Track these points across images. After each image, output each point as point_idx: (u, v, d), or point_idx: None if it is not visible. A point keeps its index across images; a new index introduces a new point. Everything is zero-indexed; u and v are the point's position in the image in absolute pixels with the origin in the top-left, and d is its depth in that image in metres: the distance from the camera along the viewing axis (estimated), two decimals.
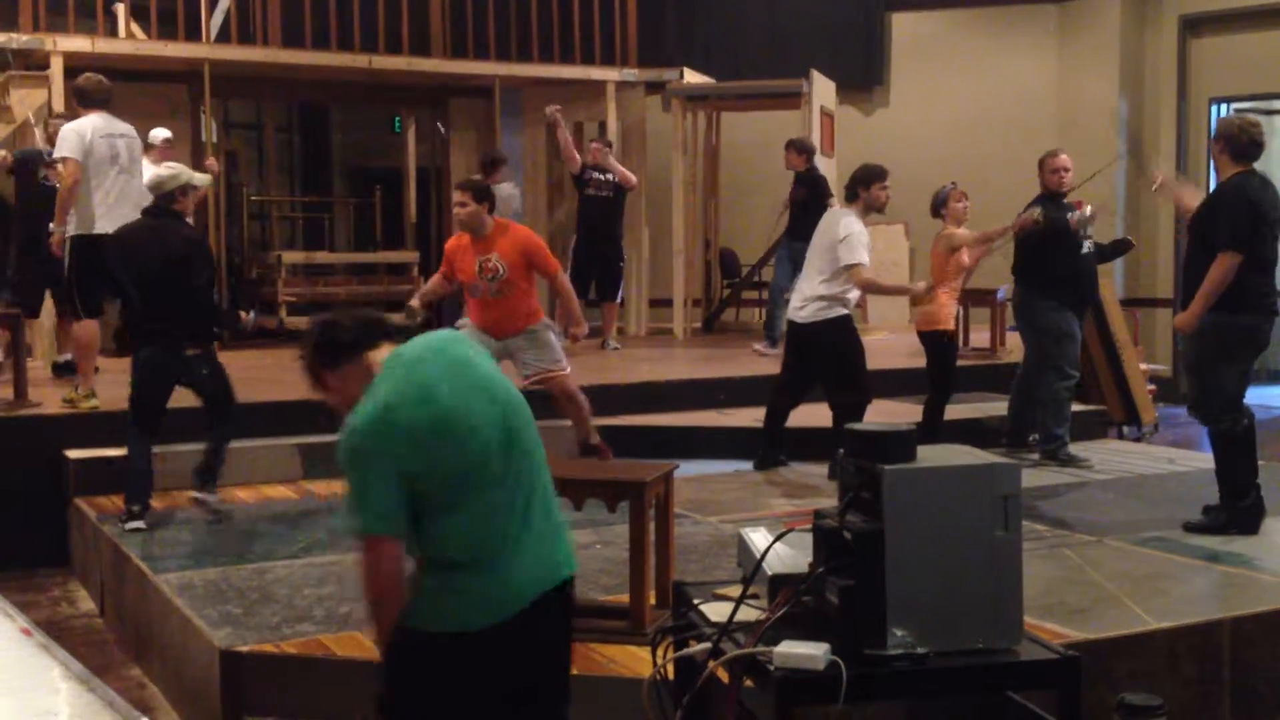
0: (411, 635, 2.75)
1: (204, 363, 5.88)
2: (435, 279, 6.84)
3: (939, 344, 7.10)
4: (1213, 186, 5.97)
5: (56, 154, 7.04)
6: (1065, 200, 7.14)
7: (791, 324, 6.84)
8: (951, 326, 7.14)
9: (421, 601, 2.76)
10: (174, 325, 5.78)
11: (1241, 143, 5.42)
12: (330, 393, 2.89)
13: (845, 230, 6.55)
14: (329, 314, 2.98)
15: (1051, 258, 6.95)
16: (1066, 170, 7.12)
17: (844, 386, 6.62)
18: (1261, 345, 5.64)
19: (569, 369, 6.65)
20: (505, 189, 9.59)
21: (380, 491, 2.68)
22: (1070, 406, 7.19)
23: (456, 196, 6.43)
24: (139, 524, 5.68)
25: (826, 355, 6.69)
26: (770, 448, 7.04)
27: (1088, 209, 7.12)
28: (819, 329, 6.64)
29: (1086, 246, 7.08)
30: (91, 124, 6.95)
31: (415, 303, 6.68)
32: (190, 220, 6.19)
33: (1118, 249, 7.92)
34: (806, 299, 6.69)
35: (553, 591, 2.83)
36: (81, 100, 7.12)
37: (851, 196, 6.74)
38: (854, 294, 6.71)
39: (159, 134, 9.01)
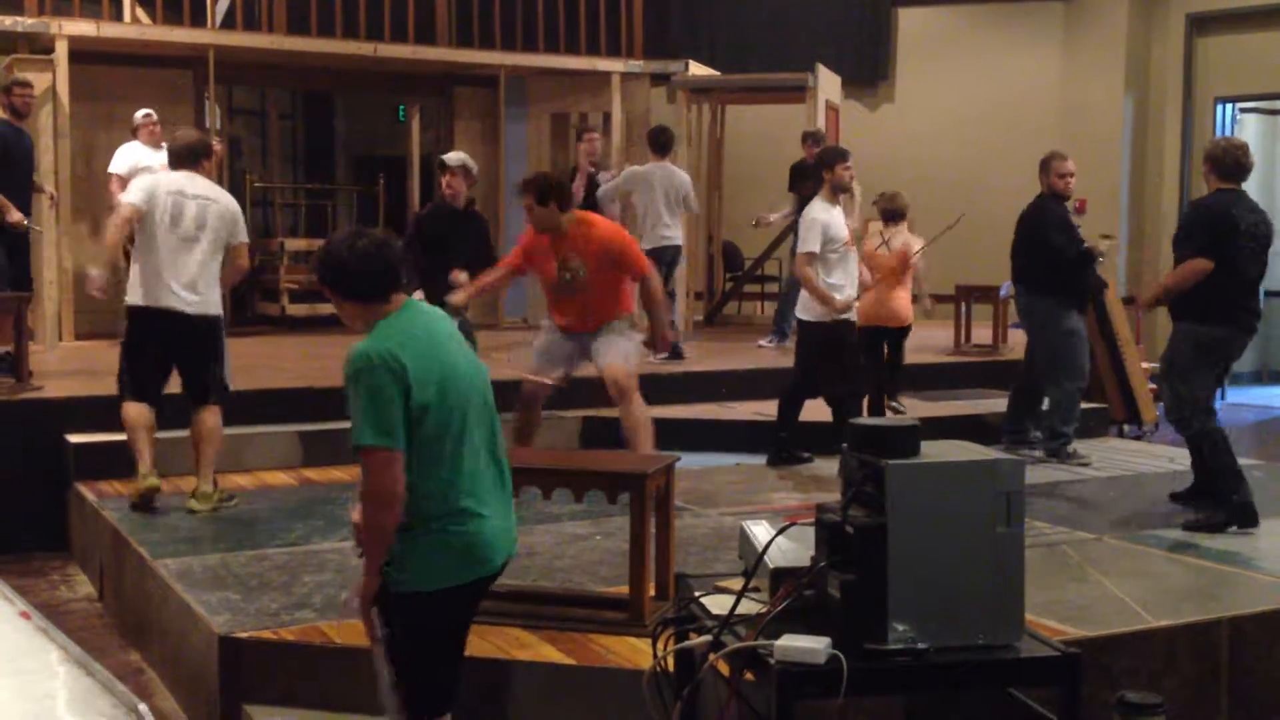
0: (397, 599, 3.11)
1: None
2: (498, 271, 6.39)
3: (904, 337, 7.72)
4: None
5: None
6: (1067, 204, 7.15)
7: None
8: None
9: (406, 564, 3.10)
10: None
11: (1226, 164, 5.65)
12: (341, 310, 3.24)
13: (804, 218, 6.68)
14: (357, 241, 3.17)
15: (1062, 260, 6.95)
16: (1073, 175, 7.09)
17: (835, 379, 6.65)
18: (1233, 357, 5.87)
19: (630, 366, 5.93)
20: (657, 171, 9.15)
21: (381, 410, 3.00)
22: (1079, 407, 7.18)
23: (524, 201, 5.86)
24: None
25: (803, 347, 6.78)
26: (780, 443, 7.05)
27: (1102, 245, 7.26)
28: (801, 321, 6.79)
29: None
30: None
31: (459, 298, 6.23)
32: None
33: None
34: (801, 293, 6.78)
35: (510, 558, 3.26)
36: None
37: (817, 180, 6.83)
38: (847, 288, 6.70)
39: (140, 114, 8.93)
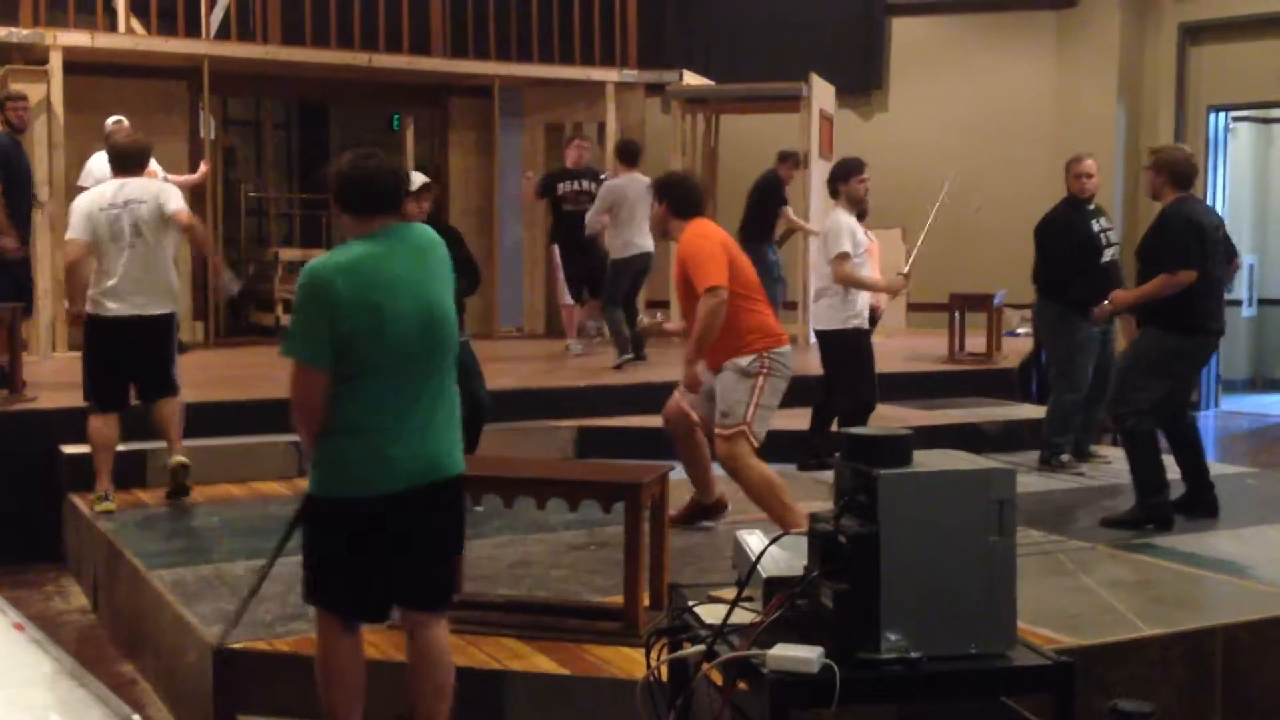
0: (310, 500, 3.41)
1: None
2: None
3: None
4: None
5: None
6: (1090, 207, 7.06)
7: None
8: None
9: (317, 470, 3.38)
10: None
11: (1185, 173, 5.79)
12: (338, 223, 3.65)
13: (827, 225, 6.69)
14: (366, 155, 3.43)
15: (1070, 267, 6.93)
16: (1090, 176, 7.03)
17: (842, 390, 6.65)
18: (1203, 364, 6.12)
19: (744, 428, 5.17)
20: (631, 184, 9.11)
21: (313, 328, 3.28)
22: (1075, 418, 7.16)
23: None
24: None
25: (825, 358, 6.74)
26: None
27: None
28: (819, 333, 6.79)
29: (1109, 255, 7.00)
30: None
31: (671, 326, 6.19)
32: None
33: None
34: (816, 303, 6.80)
35: (431, 485, 3.39)
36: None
37: (833, 193, 6.81)
38: (861, 296, 6.71)
39: (111, 121, 8.77)
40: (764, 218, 10.15)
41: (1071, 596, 4.67)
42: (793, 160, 10.11)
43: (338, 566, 3.41)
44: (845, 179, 6.71)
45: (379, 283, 3.31)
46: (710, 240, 5.25)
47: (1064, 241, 6.93)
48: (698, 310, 5.15)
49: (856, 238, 6.58)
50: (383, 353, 3.31)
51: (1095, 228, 6.98)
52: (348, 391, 3.32)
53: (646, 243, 9.11)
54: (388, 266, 3.35)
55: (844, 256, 6.51)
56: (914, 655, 2.52)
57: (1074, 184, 7.04)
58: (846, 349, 6.66)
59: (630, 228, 9.07)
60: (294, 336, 3.33)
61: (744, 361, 5.19)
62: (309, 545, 3.46)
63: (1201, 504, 5.98)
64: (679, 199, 5.41)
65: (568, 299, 10.19)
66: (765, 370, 5.19)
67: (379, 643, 4.05)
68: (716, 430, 5.25)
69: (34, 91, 9.14)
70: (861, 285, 6.60)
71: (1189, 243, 5.65)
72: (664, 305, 11.45)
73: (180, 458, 6.08)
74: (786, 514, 5.05)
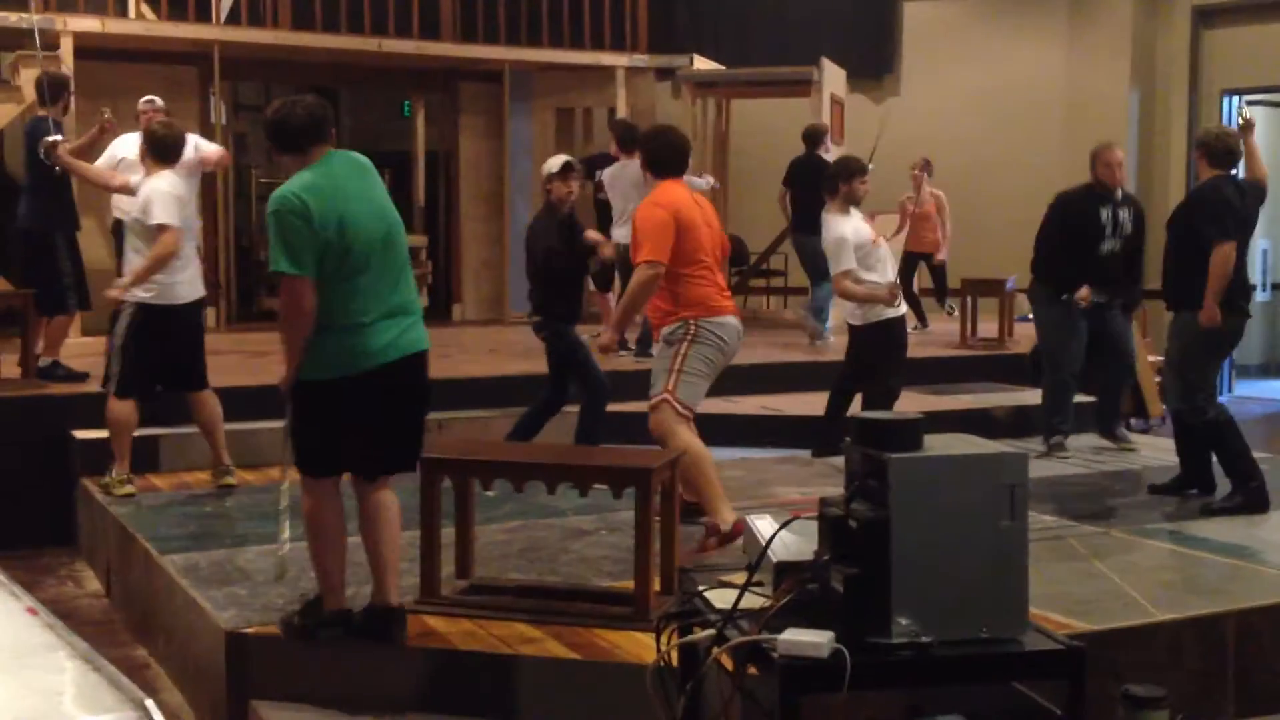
0: (302, 384, 3.91)
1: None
2: None
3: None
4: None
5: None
6: (1119, 196, 6.96)
7: None
8: None
9: (309, 360, 3.87)
10: None
11: (1218, 150, 5.88)
12: (280, 162, 4.18)
13: (827, 240, 6.66)
14: (291, 102, 3.97)
15: (1065, 251, 6.91)
16: (1120, 165, 6.95)
17: (873, 378, 6.67)
18: (1237, 343, 6.12)
19: (667, 395, 5.01)
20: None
21: (294, 242, 3.78)
22: (1067, 401, 7.11)
23: None
24: None
25: (860, 350, 6.79)
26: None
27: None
28: (851, 328, 6.83)
29: (1108, 246, 6.91)
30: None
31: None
32: None
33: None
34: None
35: (405, 359, 3.95)
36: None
37: (831, 190, 6.74)
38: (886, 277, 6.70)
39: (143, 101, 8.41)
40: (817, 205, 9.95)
41: (1083, 581, 4.66)
42: (825, 137, 9.93)
43: (332, 437, 3.95)
44: (849, 179, 6.65)
45: (339, 195, 3.85)
46: (660, 210, 4.99)
47: (1065, 225, 6.90)
48: (630, 280, 5.11)
49: (858, 241, 6.54)
50: (353, 253, 3.84)
51: (1104, 217, 6.90)
52: (335, 291, 3.84)
53: (622, 234, 8.85)
54: (341, 183, 3.90)
55: (845, 274, 6.52)
56: (925, 640, 2.52)
57: (1103, 172, 6.91)
58: (880, 340, 6.66)
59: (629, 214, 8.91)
60: (279, 254, 3.79)
61: (668, 329, 5.09)
62: (305, 423, 3.98)
63: (1195, 487, 6.08)
64: (652, 154, 5.21)
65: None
66: (690, 337, 5.02)
67: (441, 629, 4.06)
68: (652, 398, 5.07)
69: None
70: (863, 299, 6.57)
71: (1224, 214, 5.73)
72: None
73: (230, 479, 6.21)
74: (708, 490, 4.97)
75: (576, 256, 6.49)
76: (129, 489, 6.00)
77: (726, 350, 5.14)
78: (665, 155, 5.17)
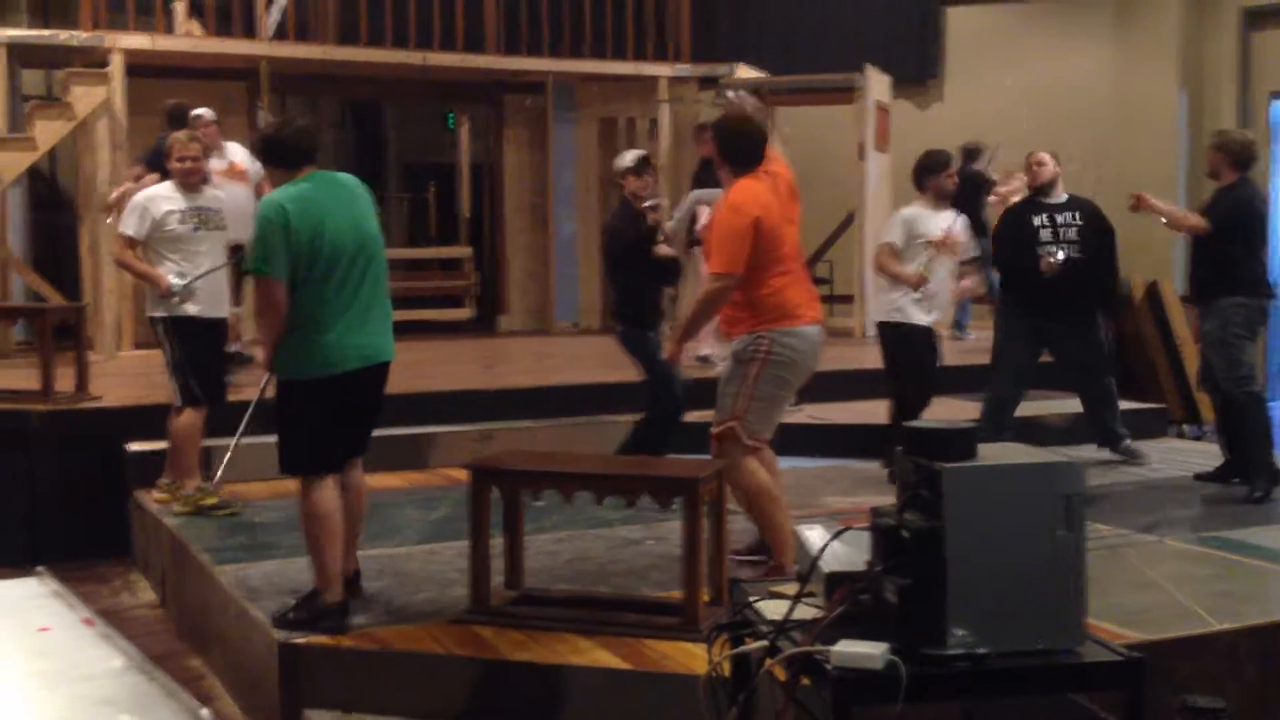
0: (283, 384, 4.34)
1: None
2: None
3: None
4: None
5: None
6: (1051, 200, 6.81)
7: None
8: None
9: (284, 358, 4.26)
10: None
11: (1241, 155, 6.30)
12: (271, 177, 4.64)
13: (894, 215, 6.74)
14: (284, 122, 4.49)
15: (1002, 263, 7.01)
16: (1041, 165, 6.87)
17: (894, 381, 6.62)
18: (1265, 322, 6.52)
19: (734, 424, 4.63)
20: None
21: (272, 247, 4.15)
22: (1002, 415, 6.85)
23: None
24: None
25: (884, 351, 6.70)
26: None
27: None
28: (880, 325, 6.78)
29: (1057, 253, 6.61)
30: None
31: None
32: None
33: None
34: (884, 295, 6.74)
35: (369, 368, 4.34)
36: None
37: (919, 186, 6.69)
38: (938, 291, 6.57)
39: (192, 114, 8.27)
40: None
41: (1138, 591, 4.60)
42: (980, 153, 9.92)
43: (315, 433, 4.29)
44: (936, 173, 6.59)
45: (318, 207, 4.22)
46: (741, 216, 4.55)
47: (998, 235, 7.13)
48: (699, 291, 4.83)
49: (915, 230, 6.48)
50: (326, 261, 4.19)
51: (1036, 223, 6.72)
52: (304, 295, 4.19)
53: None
54: (323, 196, 4.28)
55: (886, 245, 6.55)
56: (981, 651, 2.49)
57: (1029, 174, 7.02)
58: (891, 340, 6.60)
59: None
60: (258, 256, 4.18)
61: (739, 343, 4.63)
62: (287, 423, 4.33)
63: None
64: (726, 145, 4.74)
65: None
66: (762, 356, 4.57)
67: (491, 639, 4.08)
68: (717, 424, 4.68)
69: (94, 95, 9.27)
70: (886, 273, 6.53)
71: (1254, 219, 6.27)
72: None
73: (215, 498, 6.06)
74: (777, 536, 4.66)
75: (656, 258, 6.29)
76: (213, 498, 5.96)
77: (803, 365, 4.68)
78: (738, 148, 4.72)
